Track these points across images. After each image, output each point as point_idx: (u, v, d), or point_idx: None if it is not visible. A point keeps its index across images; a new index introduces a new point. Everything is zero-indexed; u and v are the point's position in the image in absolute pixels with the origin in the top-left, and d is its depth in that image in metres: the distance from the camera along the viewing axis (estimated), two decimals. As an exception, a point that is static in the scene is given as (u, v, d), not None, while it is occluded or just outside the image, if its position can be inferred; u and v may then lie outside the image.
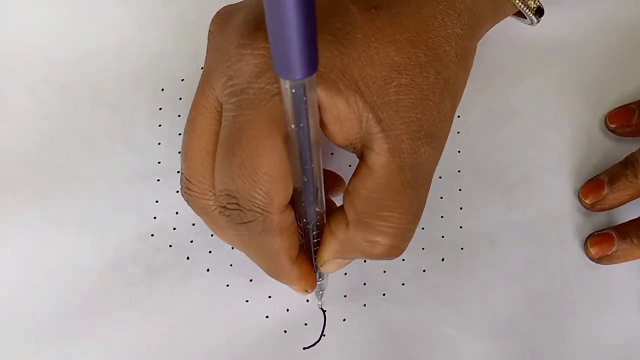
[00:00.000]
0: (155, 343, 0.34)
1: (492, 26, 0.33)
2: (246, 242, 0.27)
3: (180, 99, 0.36)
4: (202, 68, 0.35)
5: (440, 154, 0.27)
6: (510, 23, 0.36)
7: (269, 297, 0.35)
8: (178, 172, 0.35)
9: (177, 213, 0.35)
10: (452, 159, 0.36)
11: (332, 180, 0.32)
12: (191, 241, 0.35)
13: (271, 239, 0.26)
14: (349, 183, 0.27)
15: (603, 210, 0.36)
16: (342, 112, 0.25)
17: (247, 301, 0.34)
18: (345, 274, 0.35)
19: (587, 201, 0.36)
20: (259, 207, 0.25)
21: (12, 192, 0.34)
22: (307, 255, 0.29)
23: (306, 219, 0.27)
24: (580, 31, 0.37)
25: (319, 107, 0.25)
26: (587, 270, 0.36)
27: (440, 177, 0.36)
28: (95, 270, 0.34)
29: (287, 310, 0.35)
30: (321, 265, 0.29)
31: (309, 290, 0.30)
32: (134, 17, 0.36)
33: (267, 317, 0.34)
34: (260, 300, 0.34)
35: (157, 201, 0.35)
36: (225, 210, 0.26)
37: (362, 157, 0.26)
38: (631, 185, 0.35)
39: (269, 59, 0.24)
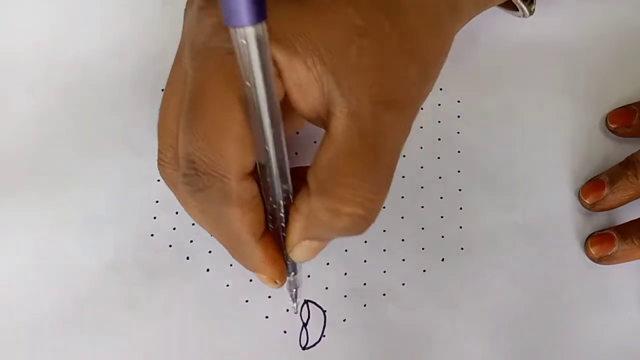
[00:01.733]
0: (155, 343, 0.34)
1: (478, 12, 0.32)
2: (207, 214, 0.26)
3: (180, 99, 0.36)
4: (202, 68, 0.36)
5: (408, 124, 0.26)
6: (510, 23, 0.36)
7: (269, 297, 0.35)
8: (178, 172, 0.35)
9: (177, 213, 0.35)
10: (452, 159, 0.36)
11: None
12: (191, 241, 0.35)
13: (230, 210, 0.25)
14: (314, 157, 0.25)
15: (603, 210, 0.36)
16: (301, 76, 0.24)
17: (247, 301, 0.34)
18: (345, 274, 0.35)
19: (587, 201, 0.36)
20: (215, 172, 0.24)
21: (12, 193, 0.34)
22: (274, 239, 0.28)
23: (272, 197, 0.26)
24: (580, 32, 0.37)
25: (279, 72, 0.24)
26: (587, 270, 0.36)
27: (440, 177, 0.36)
28: (95, 270, 0.34)
29: (287, 310, 0.35)
30: (290, 252, 0.27)
31: (277, 282, 0.28)
32: (134, 17, 0.36)
33: (267, 317, 0.34)
34: (260, 300, 0.34)
35: (157, 201, 0.35)
36: (185, 178, 0.25)
37: (325, 127, 0.25)
38: (631, 186, 0.35)
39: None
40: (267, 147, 0.24)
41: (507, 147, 0.36)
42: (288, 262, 0.29)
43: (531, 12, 0.33)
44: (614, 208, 0.36)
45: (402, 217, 0.36)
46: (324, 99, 0.24)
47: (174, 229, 0.35)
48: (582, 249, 0.36)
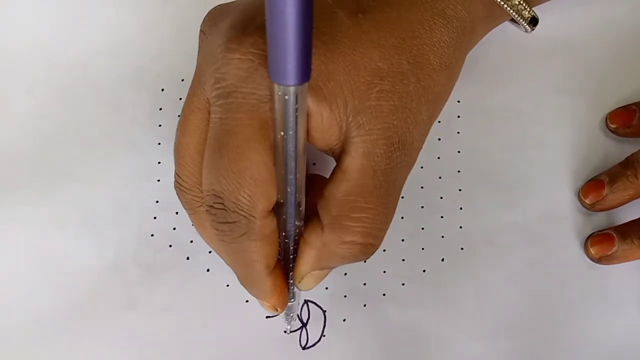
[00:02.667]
0: (155, 343, 0.34)
1: (486, 34, 0.33)
2: (226, 244, 0.27)
3: (180, 99, 0.36)
4: (200, 68, 0.36)
5: (413, 161, 0.28)
6: (510, 24, 0.36)
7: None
8: (178, 172, 0.35)
9: (177, 213, 0.35)
10: (452, 159, 0.36)
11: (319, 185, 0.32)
12: (191, 241, 0.35)
13: (251, 243, 0.26)
14: (323, 189, 0.27)
15: (603, 210, 0.36)
16: (325, 119, 0.25)
17: (247, 301, 0.34)
18: (345, 274, 0.35)
19: (587, 201, 0.36)
20: (242, 210, 0.25)
21: (12, 192, 0.34)
22: (282, 271, 0.29)
23: (285, 232, 0.28)
24: (580, 31, 0.37)
25: None
26: (587, 270, 0.36)
27: (440, 177, 0.36)
28: (95, 270, 0.34)
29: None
30: (299, 282, 0.29)
31: (278, 310, 0.30)
32: (134, 17, 0.36)
33: (267, 317, 0.34)
34: (260, 300, 0.35)
35: (157, 201, 0.35)
36: (212, 209, 0.26)
37: (338, 161, 0.27)
38: (631, 186, 0.35)
39: (257, 63, 0.24)
40: (289, 189, 0.25)
41: (507, 147, 0.36)
42: (289, 290, 0.30)
43: (532, 30, 0.34)
44: (613, 208, 0.36)
45: (402, 217, 0.36)
46: (340, 137, 0.26)
47: (174, 229, 0.35)
48: (582, 249, 0.36)
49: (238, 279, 0.30)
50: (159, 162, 0.35)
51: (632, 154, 0.35)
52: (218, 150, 0.25)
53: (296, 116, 0.23)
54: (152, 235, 0.35)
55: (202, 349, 0.34)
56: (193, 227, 0.34)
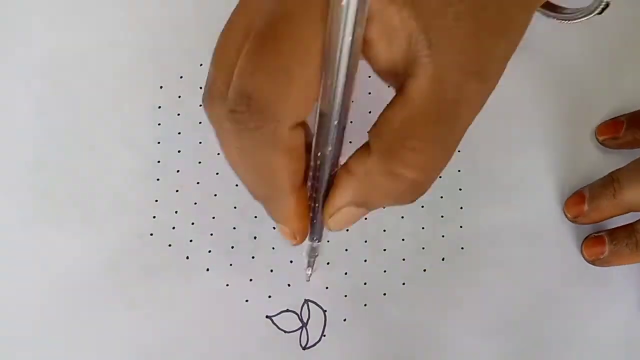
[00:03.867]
0: (155, 343, 0.34)
1: None
2: (246, 156, 0.24)
3: (180, 97, 0.35)
4: (201, 65, 0.35)
5: (485, 98, 0.25)
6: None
7: (269, 297, 0.34)
8: (178, 171, 0.35)
9: (176, 212, 0.35)
10: (452, 158, 0.36)
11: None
12: (190, 241, 0.35)
13: (277, 154, 0.23)
14: (378, 118, 0.24)
15: (585, 224, 0.36)
16: (391, 26, 0.22)
17: (247, 301, 0.34)
18: (346, 273, 0.35)
19: (569, 215, 0.36)
20: (270, 112, 0.22)
21: (12, 192, 0.34)
22: (307, 196, 0.26)
23: (321, 155, 0.24)
24: (581, 32, 0.37)
25: (368, 17, 0.22)
26: (587, 270, 0.36)
27: (440, 177, 0.36)
28: (94, 269, 0.34)
29: (287, 310, 0.34)
30: (330, 217, 0.26)
31: (297, 238, 0.27)
32: (134, 15, 0.35)
33: (267, 317, 0.34)
34: (260, 300, 0.34)
35: (156, 200, 0.35)
36: (234, 114, 0.23)
37: (400, 87, 0.23)
38: (610, 205, 0.34)
39: None
40: (335, 97, 0.22)
41: (507, 147, 0.36)
42: (315, 227, 0.28)
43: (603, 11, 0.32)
44: (596, 222, 0.36)
45: (402, 217, 0.36)
46: (408, 56, 0.23)
47: (174, 228, 0.35)
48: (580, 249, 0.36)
49: (258, 199, 0.26)
50: (159, 162, 0.35)
51: (614, 172, 0.35)
52: (263, 38, 0.22)
53: (358, 5, 0.20)
54: (152, 234, 0.34)
55: (202, 348, 0.34)
56: (192, 226, 0.34)
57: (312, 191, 0.26)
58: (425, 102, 0.23)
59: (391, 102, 0.23)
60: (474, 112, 0.24)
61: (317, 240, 0.29)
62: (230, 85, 0.23)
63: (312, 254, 0.31)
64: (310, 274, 0.34)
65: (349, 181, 0.25)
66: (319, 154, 0.24)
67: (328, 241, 0.35)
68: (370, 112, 0.34)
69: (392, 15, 0.22)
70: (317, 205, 0.26)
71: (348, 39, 0.21)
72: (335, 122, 0.23)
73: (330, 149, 0.24)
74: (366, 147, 0.24)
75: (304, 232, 0.27)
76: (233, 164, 0.26)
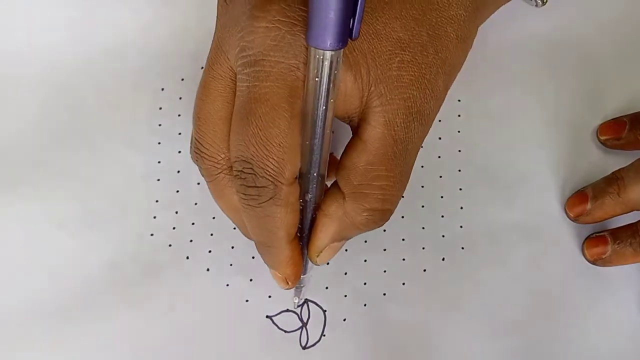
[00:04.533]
0: (155, 343, 0.34)
1: (497, 9, 0.33)
2: (251, 208, 0.27)
3: (180, 98, 0.36)
4: (202, 68, 0.35)
5: (427, 130, 0.29)
6: (510, 24, 0.36)
7: (269, 297, 0.34)
8: (178, 172, 0.35)
9: (176, 213, 0.35)
10: (452, 158, 0.36)
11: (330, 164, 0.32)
12: (191, 241, 0.35)
13: (276, 209, 0.27)
14: (342, 160, 0.28)
15: (587, 223, 0.36)
16: (348, 87, 0.26)
17: (247, 301, 0.34)
18: (346, 273, 0.35)
19: (571, 214, 0.36)
20: (270, 175, 0.26)
21: (13, 192, 0.34)
22: (300, 244, 0.30)
23: (305, 204, 0.28)
24: (580, 32, 0.37)
25: None
26: (587, 270, 0.36)
27: (440, 177, 0.36)
28: (95, 270, 0.34)
29: (287, 310, 0.35)
30: (318, 255, 0.30)
31: (289, 283, 0.31)
32: (135, 17, 0.36)
33: (267, 317, 0.34)
34: (260, 300, 0.34)
35: (157, 201, 0.35)
36: (242, 174, 0.27)
37: (356, 130, 0.27)
38: (614, 203, 0.34)
39: (284, 31, 0.25)
40: (314, 157, 0.26)
41: (508, 146, 0.36)
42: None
43: (544, 3, 0.34)
44: (598, 222, 0.36)
45: (403, 217, 0.36)
46: (360, 106, 0.27)
47: (174, 228, 0.35)
48: (581, 249, 0.36)
49: (256, 246, 0.30)
50: (159, 162, 0.35)
51: (618, 170, 0.35)
52: (246, 117, 0.26)
53: (332, 82, 0.23)
54: (152, 234, 0.34)
55: (202, 348, 0.34)
56: (193, 226, 0.35)
57: (297, 231, 0.29)
58: (382, 145, 0.27)
59: (351, 146, 0.27)
60: (420, 143, 0.29)
61: (304, 273, 0.31)
62: (216, 146, 0.28)
63: (299, 285, 0.33)
64: (298, 303, 0.34)
65: (329, 224, 0.29)
66: (300, 200, 0.28)
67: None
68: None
69: (349, 79, 0.26)
70: (301, 243, 0.30)
71: (324, 106, 0.25)
72: (315, 173, 0.27)
73: (311, 195, 0.28)
74: (337, 190, 0.28)
75: (296, 278, 0.30)
76: (228, 213, 0.30)
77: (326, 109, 0.25)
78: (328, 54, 0.23)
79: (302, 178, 0.27)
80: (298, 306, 0.35)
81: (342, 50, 0.23)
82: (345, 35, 0.23)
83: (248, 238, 0.30)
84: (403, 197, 0.35)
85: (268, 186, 0.26)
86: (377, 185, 0.27)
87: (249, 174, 0.26)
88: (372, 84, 0.26)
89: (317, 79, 0.24)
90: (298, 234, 0.29)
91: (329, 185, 0.29)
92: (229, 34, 0.27)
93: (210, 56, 0.28)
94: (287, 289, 0.31)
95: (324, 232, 0.29)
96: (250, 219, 0.28)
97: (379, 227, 0.29)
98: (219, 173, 0.29)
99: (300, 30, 0.25)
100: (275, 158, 0.26)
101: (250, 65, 0.25)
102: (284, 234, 0.28)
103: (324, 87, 0.24)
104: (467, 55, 0.30)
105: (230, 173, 0.28)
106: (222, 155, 0.28)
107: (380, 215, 0.28)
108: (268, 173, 0.26)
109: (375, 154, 0.27)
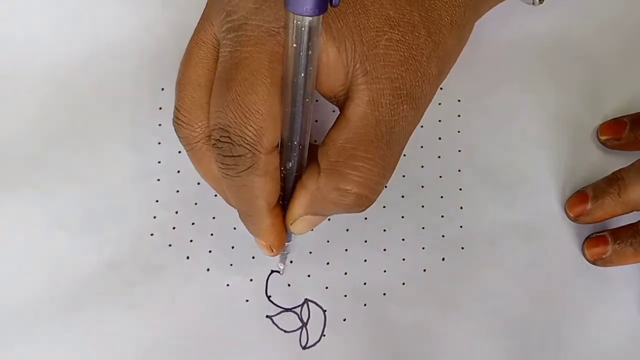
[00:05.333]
0: (155, 343, 0.34)
1: (495, 4, 0.33)
2: (230, 178, 0.27)
3: (180, 98, 0.36)
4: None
5: (420, 117, 0.28)
6: (510, 23, 0.36)
7: (269, 296, 0.34)
8: (178, 172, 0.35)
9: (177, 212, 0.35)
10: (452, 158, 0.36)
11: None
12: (191, 241, 0.35)
13: (254, 178, 0.26)
14: (325, 135, 0.27)
15: (587, 223, 0.36)
16: (331, 60, 0.25)
17: (247, 301, 0.34)
18: (346, 273, 0.35)
19: (571, 214, 0.36)
20: (248, 144, 0.25)
21: (13, 192, 0.34)
22: (282, 212, 0.29)
23: (286, 173, 0.28)
24: (580, 31, 0.37)
25: None
26: (587, 270, 0.36)
27: (440, 177, 0.36)
28: (95, 269, 0.34)
29: (287, 310, 0.35)
30: (291, 224, 0.29)
31: (274, 250, 0.30)
32: (134, 17, 0.36)
33: (267, 317, 0.34)
34: (260, 300, 0.34)
35: (157, 200, 0.35)
36: (218, 143, 0.26)
37: (341, 108, 0.27)
38: (615, 203, 0.34)
39: None
40: (295, 126, 0.26)
41: (508, 146, 0.36)
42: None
43: (541, 1, 0.34)
44: (598, 222, 0.36)
45: (402, 217, 0.36)
46: (346, 83, 0.26)
47: (174, 228, 0.35)
48: (581, 249, 0.36)
49: (239, 214, 0.29)
50: (159, 162, 0.35)
51: (618, 170, 0.35)
52: (226, 83, 0.25)
53: (311, 49, 0.23)
54: (152, 234, 0.34)
55: (202, 348, 0.34)
56: (193, 226, 0.35)
57: (280, 199, 0.29)
58: (364, 124, 0.26)
59: (335, 122, 0.27)
60: (409, 131, 0.27)
61: (288, 241, 0.31)
62: (194, 113, 0.28)
63: (284, 252, 0.33)
64: (283, 269, 0.34)
65: (303, 195, 0.28)
66: (282, 168, 0.28)
67: (328, 241, 0.35)
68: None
69: (331, 49, 0.25)
70: (284, 211, 0.29)
71: (303, 73, 0.24)
72: (296, 142, 0.27)
73: (292, 164, 0.27)
74: (316, 164, 0.27)
75: (279, 245, 0.30)
76: (209, 181, 0.30)
77: (306, 76, 0.24)
78: (306, 19, 0.22)
79: (283, 147, 0.27)
80: (282, 272, 0.34)
81: (321, 16, 0.23)
82: (325, 1, 0.22)
83: (230, 206, 0.30)
84: (403, 196, 0.36)
85: (246, 155, 0.26)
86: (352, 164, 0.26)
87: (226, 142, 0.26)
88: (357, 61, 0.25)
89: (294, 45, 0.23)
90: (280, 202, 0.29)
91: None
92: (218, 1, 0.26)
93: (198, 24, 0.28)
94: (272, 255, 0.31)
95: (298, 202, 0.28)
96: (229, 188, 0.28)
97: (357, 212, 0.28)
98: (197, 142, 0.28)
99: None
100: (253, 125, 0.25)
101: (233, 30, 0.25)
102: (264, 202, 0.27)
103: (303, 53, 0.23)
104: (462, 44, 0.30)
105: (208, 142, 0.28)
106: (200, 123, 0.28)
107: (355, 199, 0.27)
108: (246, 141, 0.25)
109: (356, 132, 0.26)
